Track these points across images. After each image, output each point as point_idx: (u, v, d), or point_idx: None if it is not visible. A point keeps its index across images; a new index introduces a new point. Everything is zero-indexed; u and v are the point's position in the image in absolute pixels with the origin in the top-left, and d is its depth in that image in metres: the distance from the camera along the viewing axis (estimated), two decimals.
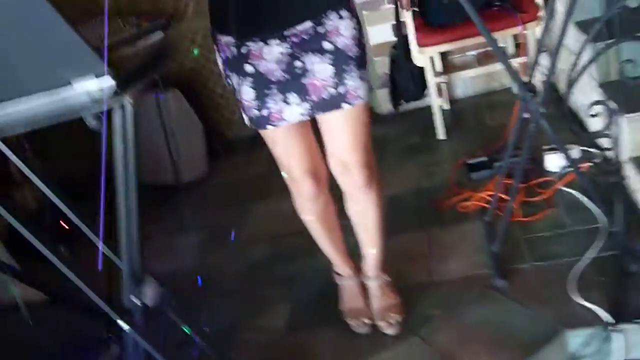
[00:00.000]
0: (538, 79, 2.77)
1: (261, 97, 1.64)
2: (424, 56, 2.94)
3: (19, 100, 1.09)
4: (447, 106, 3.41)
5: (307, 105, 1.65)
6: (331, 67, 1.61)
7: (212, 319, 2.26)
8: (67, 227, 1.52)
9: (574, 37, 2.59)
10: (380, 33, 3.35)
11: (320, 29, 1.59)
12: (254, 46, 1.60)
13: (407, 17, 2.91)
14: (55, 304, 1.88)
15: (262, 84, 1.63)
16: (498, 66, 3.01)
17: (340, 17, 1.60)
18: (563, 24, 1.90)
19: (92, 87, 1.07)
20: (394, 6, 3.09)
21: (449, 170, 2.79)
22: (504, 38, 3.21)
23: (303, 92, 1.63)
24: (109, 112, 1.15)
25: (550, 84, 1.97)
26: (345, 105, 1.65)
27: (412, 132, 3.28)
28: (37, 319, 1.83)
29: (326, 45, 1.60)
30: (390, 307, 2.00)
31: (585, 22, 2.49)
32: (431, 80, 3.02)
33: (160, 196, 3.27)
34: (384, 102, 3.49)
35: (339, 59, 1.61)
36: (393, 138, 3.28)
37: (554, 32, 2.96)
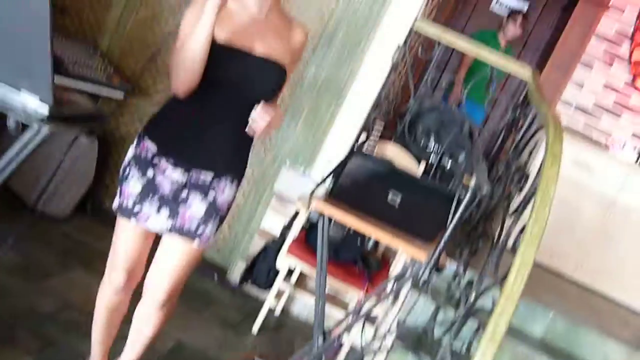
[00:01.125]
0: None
1: (142, 197, 1.99)
2: (286, 262, 3.34)
3: None
4: (277, 311, 3.74)
5: (170, 223, 2.00)
6: (203, 211, 2.01)
7: None
8: None
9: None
10: (272, 222, 3.76)
11: (214, 183, 2.02)
12: (164, 162, 1.99)
13: (297, 225, 3.36)
14: None
15: (150, 189, 1.99)
16: (334, 311, 3.42)
17: (231, 183, 2.06)
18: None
19: (31, 103, 1.38)
20: (295, 212, 3.54)
21: (237, 357, 3.06)
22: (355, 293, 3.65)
23: (174, 214, 2.00)
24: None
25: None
26: (195, 241, 2.02)
27: (236, 310, 3.57)
28: None
29: (210, 194, 2.02)
30: None
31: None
32: (278, 283, 3.39)
33: (14, 204, 3.41)
34: (236, 274, 3.81)
35: (211, 209, 2.02)
36: (221, 306, 3.55)
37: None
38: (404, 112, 3.64)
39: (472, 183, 1.89)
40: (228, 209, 2.08)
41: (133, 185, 1.99)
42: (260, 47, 1.98)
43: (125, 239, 2.06)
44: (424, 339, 2.83)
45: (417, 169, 3.50)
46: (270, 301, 3.43)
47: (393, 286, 2.51)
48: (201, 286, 3.61)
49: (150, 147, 2.00)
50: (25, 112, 1.36)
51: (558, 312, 3.09)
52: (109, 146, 3.94)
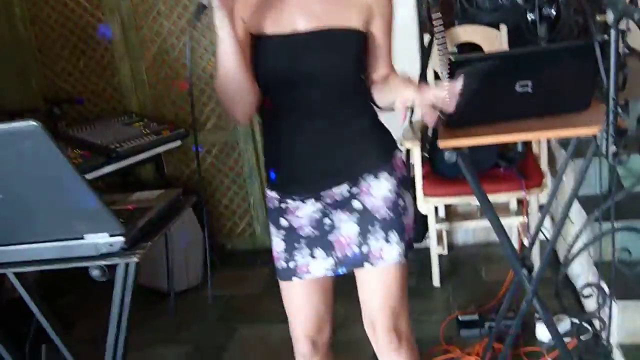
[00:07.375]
0: (536, 250, 2.83)
1: (290, 251, 1.68)
2: (428, 205, 3.01)
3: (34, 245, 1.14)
4: (445, 252, 3.44)
5: (331, 261, 1.66)
6: (356, 226, 1.63)
7: None
8: None
9: (575, 210, 2.66)
10: None
11: (354, 190, 1.63)
12: (292, 203, 1.66)
13: (417, 163, 3.00)
14: None
15: (292, 238, 1.67)
16: (503, 220, 3.07)
17: (376, 178, 1.63)
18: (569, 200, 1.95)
19: (102, 242, 1.11)
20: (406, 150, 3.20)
21: (439, 322, 2.78)
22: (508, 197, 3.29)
23: (329, 248, 1.66)
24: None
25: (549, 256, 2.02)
26: (367, 265, 1.64)
27: (409, 274, 3.28)
28: None
29: (355, 204, 1.63)
30: None
31: (587, 198, 2.57)
32: (432, 227, 3.08)
33: (152, 301, 3.26)
34: None
35: (365, 219, 1.62)
36: None
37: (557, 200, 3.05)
38: None
39: (609, 17, 1.47)
40: (393, 207, 1.63)
41: (275, 243, 1.70)
42: (304, 21, 1.53)
43: (293, 302, 1.75)
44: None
45: (500, 36, 3.06)
46: (433, 249, 3.12)
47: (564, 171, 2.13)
48: None
49: (273, 195, 1.70)
50: (102, 254, 1.10)
51: None
52: (197, 189, 3.72)
